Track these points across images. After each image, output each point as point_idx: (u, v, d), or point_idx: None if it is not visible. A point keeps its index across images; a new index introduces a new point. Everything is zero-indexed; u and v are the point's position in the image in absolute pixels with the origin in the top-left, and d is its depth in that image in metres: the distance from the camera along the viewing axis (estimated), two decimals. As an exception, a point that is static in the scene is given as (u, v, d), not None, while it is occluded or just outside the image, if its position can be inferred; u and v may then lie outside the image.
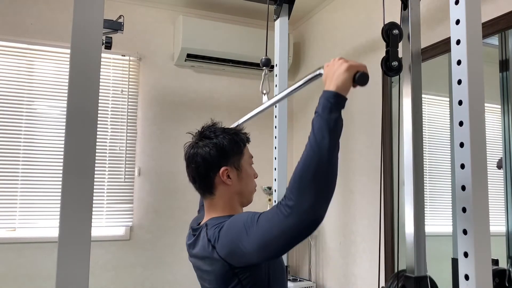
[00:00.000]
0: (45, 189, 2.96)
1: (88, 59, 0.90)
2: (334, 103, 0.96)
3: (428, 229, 1.26)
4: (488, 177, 1.02)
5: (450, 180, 2.16)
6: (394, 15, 1.37)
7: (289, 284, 3.15)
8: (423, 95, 1.28)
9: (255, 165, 1.36)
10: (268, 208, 1.11)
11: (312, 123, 0.97)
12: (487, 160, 1.02)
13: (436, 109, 2.35)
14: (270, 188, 3.32)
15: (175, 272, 3.26)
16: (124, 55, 3.24)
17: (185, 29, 3.20)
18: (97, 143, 0.93)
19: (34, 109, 2.99)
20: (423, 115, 1.26)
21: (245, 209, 1.29)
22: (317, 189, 0.93)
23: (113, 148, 3.18)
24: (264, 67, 1.94)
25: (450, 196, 2.14)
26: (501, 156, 1.87)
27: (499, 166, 1.87)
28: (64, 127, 1.07)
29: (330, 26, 3.31)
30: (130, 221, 3.18)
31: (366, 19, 2.86)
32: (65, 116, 0.89)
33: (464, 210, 1.00)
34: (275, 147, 2.04)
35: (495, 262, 1.77)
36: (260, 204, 3.42)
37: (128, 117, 3.23)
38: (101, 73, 0.93)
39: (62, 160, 0.87)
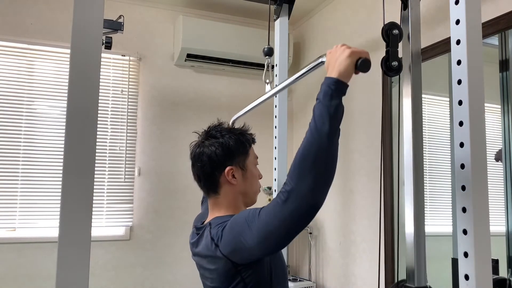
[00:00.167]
0: (45, 189, 2.96)
1: (88, 59, 0.90)
2: (335, 90, 0.96)
3: (428, 229, 1.26)
4: (488, 177, 1.02)
5: (450, 180, 2.16)
6: (394, 15, 1.37)
7: (289, 284, 3.13)
8: (423, 95, 1.27)
9: (257, 166, 1.36)
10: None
11: (313, 110, 0.97)
12: (487, 160, 1.02)
13: (436, 109, 2.35)
14: (270, 188, 3.32)
15: (175, 272, 3.26)
16: (124, 55, 3.24)
17: (185, 29, 3.20)
18: (97, 143, 0.93)
19: (34, 109, 2.99)
20: (423, 115, 1.26)
21: (248, 209, 1.29)
22: (316, 174, 0.93)
23: (113, 148, 3.18)
24: (267, 56, 1.95)
25: (450, 196, 2.14)
26: (500, 147, 1.86)
27: (497, 159, 1.86)
28: (64, 127, 1.07)
29: (330, 26, 3.31)
30: (130, 221, 3.18)
31: (366, 19, 2.86)
32: (65, 116, 0.89)
33: (464, 210, 1.00)
34: (275, 147, 2.04)
35: (495, 262, 1.77)
36: (260, 204, 3.37)
37: (128, 117, 3.24)
38: (101, 73, 0.93)
39: (62, 160, 0.87)
